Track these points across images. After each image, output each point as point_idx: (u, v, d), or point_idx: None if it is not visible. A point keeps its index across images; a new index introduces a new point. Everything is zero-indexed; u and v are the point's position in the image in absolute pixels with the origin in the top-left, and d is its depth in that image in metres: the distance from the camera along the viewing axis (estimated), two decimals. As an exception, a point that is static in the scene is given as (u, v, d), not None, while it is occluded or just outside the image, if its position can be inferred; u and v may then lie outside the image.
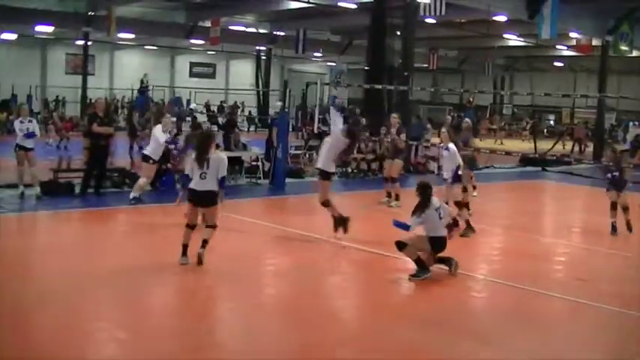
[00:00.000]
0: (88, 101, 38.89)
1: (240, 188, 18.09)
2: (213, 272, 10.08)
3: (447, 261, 10.28)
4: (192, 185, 10.26)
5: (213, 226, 10.30)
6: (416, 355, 7.48)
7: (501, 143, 40.61)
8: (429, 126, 27.45)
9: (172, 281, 9.75)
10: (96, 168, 16.40)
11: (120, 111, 42.34)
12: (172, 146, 15.47)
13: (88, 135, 16.93)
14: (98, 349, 7.27)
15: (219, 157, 10.44)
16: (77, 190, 16.22)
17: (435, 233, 10.14)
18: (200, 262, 9.98)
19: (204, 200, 10.23)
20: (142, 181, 14.95)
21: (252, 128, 44.21)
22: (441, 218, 10.21)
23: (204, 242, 10.12)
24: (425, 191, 10.18)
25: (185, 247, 10.13)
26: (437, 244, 10.13)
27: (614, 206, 14.06)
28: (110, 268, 9.96)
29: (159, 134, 14.69)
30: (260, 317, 8.43)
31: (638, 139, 32.01)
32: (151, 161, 14.79)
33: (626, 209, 14.05)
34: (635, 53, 39.05)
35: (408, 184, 19.10)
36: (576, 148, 36.81)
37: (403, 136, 16.94)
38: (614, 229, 14.00)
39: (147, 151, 14.98)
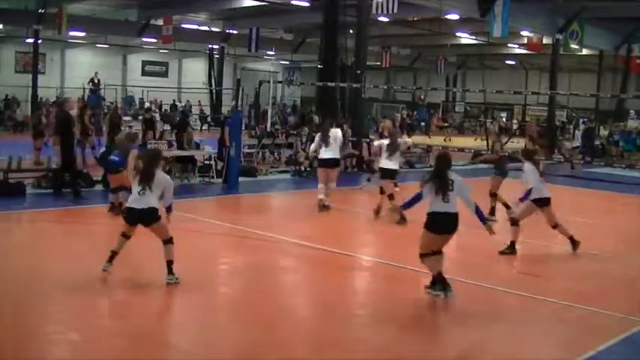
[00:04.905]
0: (39, 100, 38.31)
1: (193, 187, 17.98)
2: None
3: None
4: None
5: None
6: (368, 354, 7.50)
7: (450, 140, 40.60)
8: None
9: (124, 282, 9.63)
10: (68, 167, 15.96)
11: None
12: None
13: (62, 135, 15.99)
14: (51, 351, 7.19)
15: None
16: (29, 190, 15.99)
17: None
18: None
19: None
20: None
21: (204, 127, 44.02)
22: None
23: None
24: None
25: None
26: None
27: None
28: (60, 270, 9.84)
29: None
30: (214, 317, 8.39)
31: (587, 135, 32.51)
32: None
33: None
34: (585, 51, 39.61)
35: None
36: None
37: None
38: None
39: None
